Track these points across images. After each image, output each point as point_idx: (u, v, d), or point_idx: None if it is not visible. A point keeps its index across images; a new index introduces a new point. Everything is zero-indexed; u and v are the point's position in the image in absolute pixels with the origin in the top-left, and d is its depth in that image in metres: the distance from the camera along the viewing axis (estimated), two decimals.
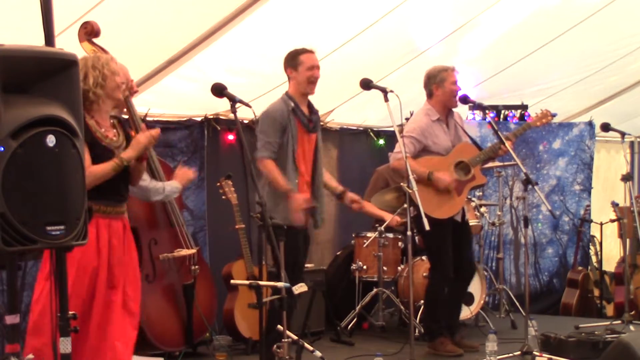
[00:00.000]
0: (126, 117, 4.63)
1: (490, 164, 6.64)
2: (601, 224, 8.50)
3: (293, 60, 5.21)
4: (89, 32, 4.47)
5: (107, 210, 3.86)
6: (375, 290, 6.73)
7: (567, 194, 8.57)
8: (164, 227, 5.49)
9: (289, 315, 4.16)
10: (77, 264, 3.72)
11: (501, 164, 7.03)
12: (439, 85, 5.83)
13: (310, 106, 5.32)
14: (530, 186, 5.42)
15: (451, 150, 5.84)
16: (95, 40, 4.50)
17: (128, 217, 4.04)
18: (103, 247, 3.82)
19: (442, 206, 5.72)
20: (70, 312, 2.86)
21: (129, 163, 3.85)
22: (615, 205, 7.90)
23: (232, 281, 5.13)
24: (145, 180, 4.62)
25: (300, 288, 3.94)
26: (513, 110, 8.26)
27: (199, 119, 6.53)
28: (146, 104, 5.78)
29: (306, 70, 5.17)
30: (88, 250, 3.74)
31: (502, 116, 8.22)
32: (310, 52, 5.23)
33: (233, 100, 4.16)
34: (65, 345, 2.83)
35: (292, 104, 5.17)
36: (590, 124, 8.63)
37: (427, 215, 4.90)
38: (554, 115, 6.14)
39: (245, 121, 6.27)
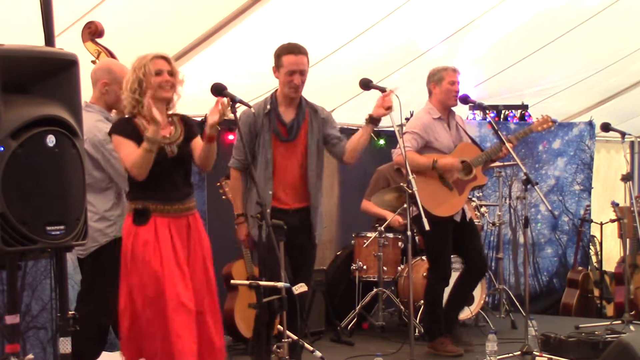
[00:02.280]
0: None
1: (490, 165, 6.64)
2: (601, 224, 8.49)
3: (277, 59, 4.75)
4: (92, 32, 4.49)
5: (165, 209, 3.79)
6: (375, 290, 6.71)
7: (567, 194, 8.56)
8: None
9: (290, 317, 4.13)
10: (141, 265, 3.70)
11: (501, 164, 7.02)
12: (436, 84, 5.87)
13: (299, 109, 4.80)
14: (529, 186, 5.42)
15: (453, 149, 5.85)
16: (98, 40, 4.51)
17: None
18: (165, 247, 3.73)
19: (442, 204, 5.72)
20: (70, 312, 2.86)
21: (155, 139, 3.69)
22: (615, 205, 7.90)
23: (232, 281, 5.12)
24: None
25: (300, 288, 3.94)
26: (513, 110, 8.24)
27: (199, 119, 6.52)
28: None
29: (285, 75, 4.70)
30: (149, 251, 3.70)
31: (502, 116, 8.21)
32: (295, 53, 4.67)
33: (233, 100, 4.16)
34: (65, 345, 2.82)
35: (269, 107, 4.77)
36: (590, 123, 8.61)
37: (427, 214, 4.89)
38: (554, 122, 6.14)
39: None
